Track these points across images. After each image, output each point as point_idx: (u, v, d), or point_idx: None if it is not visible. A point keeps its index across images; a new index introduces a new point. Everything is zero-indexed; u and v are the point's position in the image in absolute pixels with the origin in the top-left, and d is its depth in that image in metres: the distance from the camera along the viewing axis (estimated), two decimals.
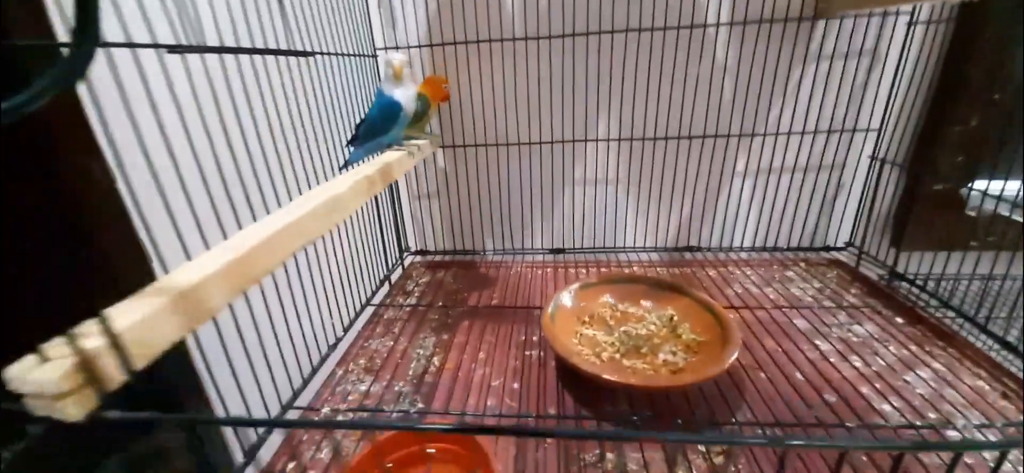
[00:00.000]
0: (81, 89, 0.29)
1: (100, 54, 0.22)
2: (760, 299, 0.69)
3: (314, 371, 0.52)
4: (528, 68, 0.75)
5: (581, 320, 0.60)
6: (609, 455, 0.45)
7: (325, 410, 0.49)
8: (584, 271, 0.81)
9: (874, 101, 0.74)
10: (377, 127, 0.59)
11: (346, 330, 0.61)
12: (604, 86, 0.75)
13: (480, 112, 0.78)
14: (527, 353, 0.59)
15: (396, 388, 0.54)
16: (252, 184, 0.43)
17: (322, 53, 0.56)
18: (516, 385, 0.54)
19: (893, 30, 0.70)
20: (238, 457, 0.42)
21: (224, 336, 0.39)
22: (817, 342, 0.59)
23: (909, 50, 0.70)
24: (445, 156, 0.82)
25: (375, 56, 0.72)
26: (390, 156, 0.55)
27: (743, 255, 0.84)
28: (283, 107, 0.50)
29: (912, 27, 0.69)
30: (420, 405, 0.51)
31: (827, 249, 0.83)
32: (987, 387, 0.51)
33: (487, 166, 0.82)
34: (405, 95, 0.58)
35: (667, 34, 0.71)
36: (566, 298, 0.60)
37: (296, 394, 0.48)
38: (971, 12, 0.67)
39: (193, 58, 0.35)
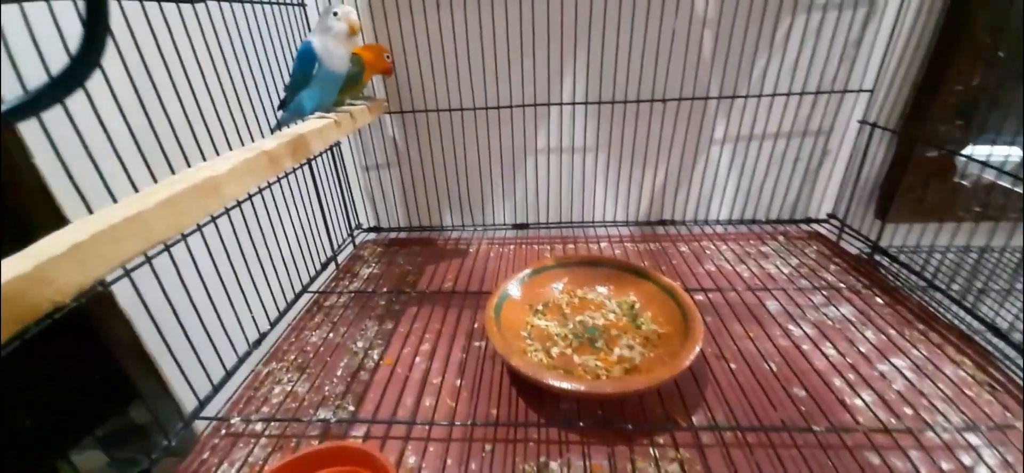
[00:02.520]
0: None
1: None
2: (732, 279, 0.64)
3: (228, 374, 0.46)
4: (483, 23, 0.66)
5: (534, 309, 0.55)
6: (553, 464, 0.40)
7: (235, 420, 0.44)
8: (548, 248, 0.75)
9: (867, 60, 0.67)
10: (297, 82, 0.50)
11: (273, 323, 0.55)
12: (569, 43, 0.67)
13: (430, 74, 0.70)
14: (476, 344, 0.54)
15: (326, 389, 0.49)
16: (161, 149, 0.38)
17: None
18: (458, 382, 0.49)
19: None
20: None
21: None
22: (789, 327, 0.54)
23: (909, 1, 0.62)
24: (394, 123, 0.75)
25: (303, 5, 0.63)
26: (309, 125, 0.47)
27: (719, 229, 0.78)
28: (204, 64, 0.44)
29: None
30: (350, 408, 0.46)
31: (808, 221, 0.77)
32: (971, 379, 0.46)
33: (442, 134, 0.74)
34: (326, 43, 0.48)
35: None
36: (514, 288, 0.54)
37: (202, 403, 0.43)
38: None
39: None
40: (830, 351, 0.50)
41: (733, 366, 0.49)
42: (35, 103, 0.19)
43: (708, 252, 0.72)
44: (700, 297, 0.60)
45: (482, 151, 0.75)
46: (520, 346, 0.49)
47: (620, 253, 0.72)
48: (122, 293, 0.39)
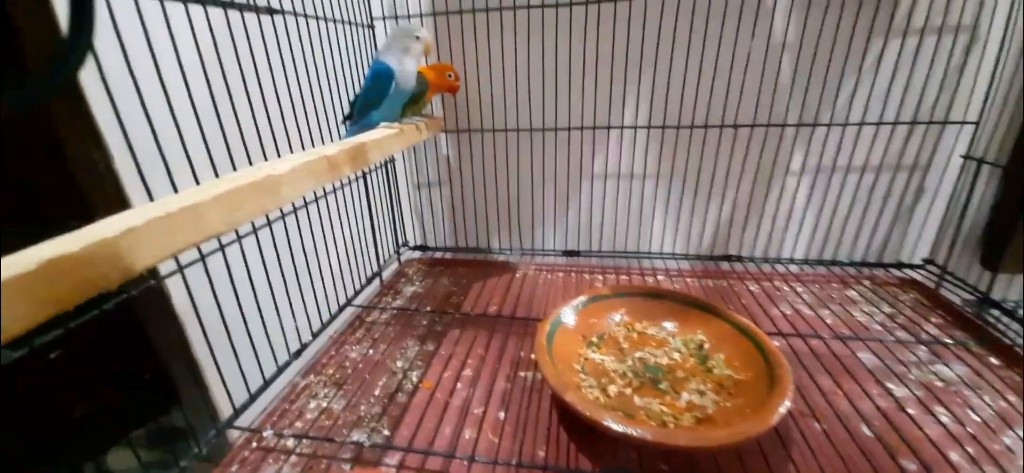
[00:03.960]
0: None
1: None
2: (814, 324, 0.56)
3: (266, 384, 0.44)
4: (545, 42, 0.64)
5: (588, 340, 0.50)
6: None
7: (268, 433, 0.41)
8: (600, 278, 0.71)
9: (971, 90, 0.59)
10: (370, 98, 0.51)
11: (316, 335, 0.53)
12: (634, 65, 0.64)
13: (488, 93, 0.69)
14: (521, 374, 0.50)
15: (362, 409, 0.46)
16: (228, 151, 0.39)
17: (305, 15, 0.48)
18: (501, 414, 0.44)
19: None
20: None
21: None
22: (890, 385, 0.47)
23: (1016, 25, 0.55)
24: (449, 142, 0.73)
25: (371, 26, 0.64)
26: (371, 134, 0.46)
27: (793, 268, 0.71)
28: (277, 76, 0.45)
29: None
30: (385, 432, 0.43)
31: (900, 266, 0.68)
32: None
33: (496, 154, 0.72)
34: (400, 63, 0.50)
35: (712, 0, 0.60)
36: (568, 315, 0.50)
37: (237, 412, 0.41)
38: None
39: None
40: (944, 417, 0.42)
41: (825, 426, 0.42)
42: (34, 93, 0.19)
43: (781, 292, 0.64)
44: (776, 342, 0.53)
45: (536, 173, 0.72)
46: (574, 381, 0.44)
47: (680, 288, 0.66)
48: (176, 292, 0.39)
